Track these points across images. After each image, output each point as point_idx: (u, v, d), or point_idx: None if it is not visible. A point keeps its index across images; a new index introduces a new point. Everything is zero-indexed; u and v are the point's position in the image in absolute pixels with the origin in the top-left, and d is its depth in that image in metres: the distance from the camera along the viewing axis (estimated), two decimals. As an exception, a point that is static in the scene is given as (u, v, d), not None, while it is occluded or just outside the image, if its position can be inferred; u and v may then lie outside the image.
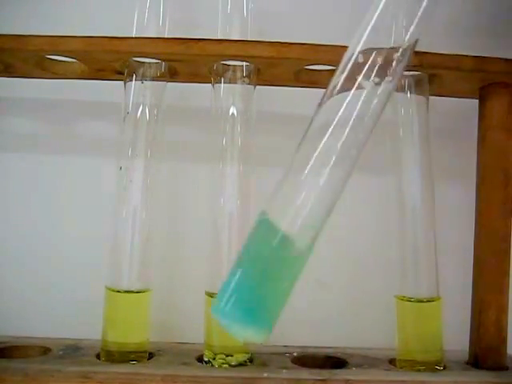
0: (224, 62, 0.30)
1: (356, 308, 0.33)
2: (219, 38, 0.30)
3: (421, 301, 0.29)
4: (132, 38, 0.30)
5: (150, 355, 0.30)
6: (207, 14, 0.35)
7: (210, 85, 0.31)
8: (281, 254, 0.22)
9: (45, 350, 0.30)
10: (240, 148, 0.30)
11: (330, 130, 0.22)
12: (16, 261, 0.35)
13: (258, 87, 0.32)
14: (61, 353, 0.30)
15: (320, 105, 0.23)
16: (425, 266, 0.30)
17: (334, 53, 0.29)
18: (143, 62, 0.30)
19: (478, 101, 0.32)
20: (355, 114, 0.22)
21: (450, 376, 0.29)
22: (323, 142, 0.22)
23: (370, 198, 0.36)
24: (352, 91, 0.22)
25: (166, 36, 0.31)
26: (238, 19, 0.31)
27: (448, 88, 0.32)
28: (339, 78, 0.23)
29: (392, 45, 0.23)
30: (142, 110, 0.30)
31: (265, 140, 0.35)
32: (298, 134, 0.36)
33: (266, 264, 0.22)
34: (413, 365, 0.29)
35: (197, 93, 0.33)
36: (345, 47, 0.29)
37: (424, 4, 0.23)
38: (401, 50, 0.23)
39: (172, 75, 0.31)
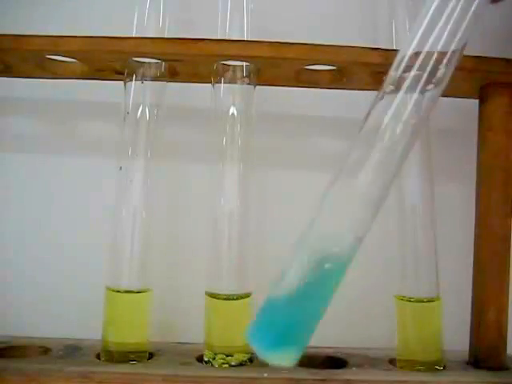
0: (224, 62, 0.30)
1: (356, 308, 0.33)
2: (219, 38, 0.30)
3: (421, 301, 0.29)
4: (132, 37, 0.30)
5: (150, 355, 0.30)
6: (207, 14, 0.35)
7: (210, 85, 0.31)
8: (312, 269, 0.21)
9: (45, 350, 0.30)
10: (240, 148, 0.30)
11: (378, 136, 0.22)
12: (16, 261, 0.35)
13: (257, 87, 0.32)
14: (61, 353, 0.30)
15: (370, 110, 0.23)
16: (425, 266, 0.30)
17: (334, 53, 0.29)
18: (143, 62, 0.30)
19: (478, 101, 0.32)
20: (402, 119, 0.22)
21: (450, 376, 0.29)
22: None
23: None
24: (399, 96, 0.22)
25: (165, 36, 0.31)
26: (238, 19, 0.31)
27: (448, 88, 0.32)
28: (388, 83, 0.23)
29: (440, 49, 0.23)
30: (142, 110, 0.30)
31: (265, 140, 0.35)
32: (298, 133, 0.36)
33: (298, 285, 0.21)
34: (413, 365, 0.29)
35: (197, 93, 0.33)
36: (345, 47, 0.29)
37: (473, 8, 0.23)
38: (449, 54, 0.23)
39: (172, 75, 0.31)
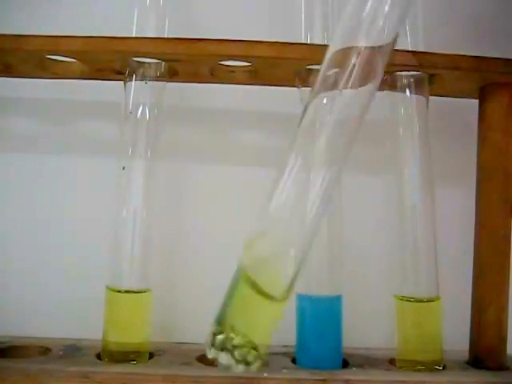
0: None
1: (356, 308, 0.33)
2: (219, 37, 0.30)
3: (421, 301, 0.29)
4: (132, 38, 0.30)
5: (150, 355, 0.30)
6: (207, 14, 0.35)
7: (209, 85, 0.31)
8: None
9: (45, 350, 0.30)
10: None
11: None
12: (16, 261, 0.35)
13: (257, 87, 0.32)
14: (61, 353, 0.30)
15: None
16: (425, 266, 0.30)
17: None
18: (143, 62, 0.30)
19: (477, 101, 0.32)
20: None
21: (450, 376, 0.29)
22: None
23: (369, 198, 0.36)
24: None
25: (165, 36, 0.31)
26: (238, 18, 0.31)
27: (448, 88, 0.32)
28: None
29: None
30: (142, 110, 0.30)
31: (265, 140, 0.35)
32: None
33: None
34: (413, 365, 0.29)
35: (197, 93, 0.33)
36: (344, 47, 0.29)
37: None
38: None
39: (172, 75, 0.31)
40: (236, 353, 0.21)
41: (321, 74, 0.23)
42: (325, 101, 0.23)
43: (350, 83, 0.22)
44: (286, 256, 0.22)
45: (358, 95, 0.22)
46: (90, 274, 0.34)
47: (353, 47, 0.22)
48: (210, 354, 0.22)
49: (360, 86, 0.22)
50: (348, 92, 0.22)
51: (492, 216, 0.30)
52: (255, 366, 0.22)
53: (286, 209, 0.22)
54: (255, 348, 0.21)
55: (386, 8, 0.22)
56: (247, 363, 0.21)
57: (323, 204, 0.22)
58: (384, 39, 0.23)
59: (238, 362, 0.21)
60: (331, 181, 0.22)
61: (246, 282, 0.21)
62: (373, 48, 0.22)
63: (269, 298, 0.21)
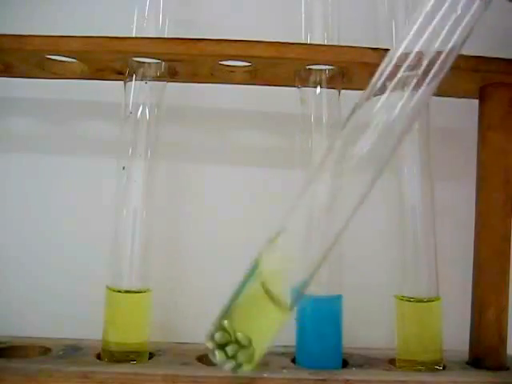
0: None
1: (356, 308, 0.33)
2: (219, 37, 0.30)
3: (421, 301, 0.29)
4: (132, 38, 0.30)
5: (150, 355, 0.30)
6: (207, 14, 0.35)
7: (210, 85, 0.31)
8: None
9: (45, 350, 0.30)
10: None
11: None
12: (16, 261, 0.35)
13: (257, 87, 0.32)
14: (61, 353, 0.30)
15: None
16: (425, 266, 0.30)
17: (334, 53, 0.29)
18: (143, 62, 0.30)
19: (477, 101, 0.32)
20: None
21: (450, 376, 0.29)
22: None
23: (370, 198, 0.36)
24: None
25: (165, 36, 0.31)
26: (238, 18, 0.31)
27: (448, 88, 0.32)
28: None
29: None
30: (142, 110, 0.30)
31: (265, 140, 0.35)
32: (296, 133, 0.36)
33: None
34: (413, 365, 0.29)
35: (197, 93, 0.33)
36: (345, 47, 0.29)
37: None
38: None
39: (172, 75, 0.31)
40: (229, 349, 0.21)
41: (376, 76, 0.23)
42: (379, 103, 0.22)
43: (408, 86, 0.22)
44: (299, 268, 0.22)
45: (411, 98, 0.22)
46: (90, 273, 0.34)
47: (413, 52, 0.23)
48: (208, 345, 0.22)
49: (416, 89, 0.22)
50: (402, 95, 0.22)
51: (492, 216, 0.30)
52: (247, 368, 0.22)
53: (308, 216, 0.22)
54: (250, 349, 0.21)
55: (454, 15, 0.23)
56: (239, 364, 0.22)
57: (352, 213, 0.22)
58: (447, 45, 0.23)
59: (229, 359, 0.21)
60: (367, 187, 0.22)
61: (258, 278, 0.21)
62: (436, 53, 0.23)
63: (275, 302, 0.21)
